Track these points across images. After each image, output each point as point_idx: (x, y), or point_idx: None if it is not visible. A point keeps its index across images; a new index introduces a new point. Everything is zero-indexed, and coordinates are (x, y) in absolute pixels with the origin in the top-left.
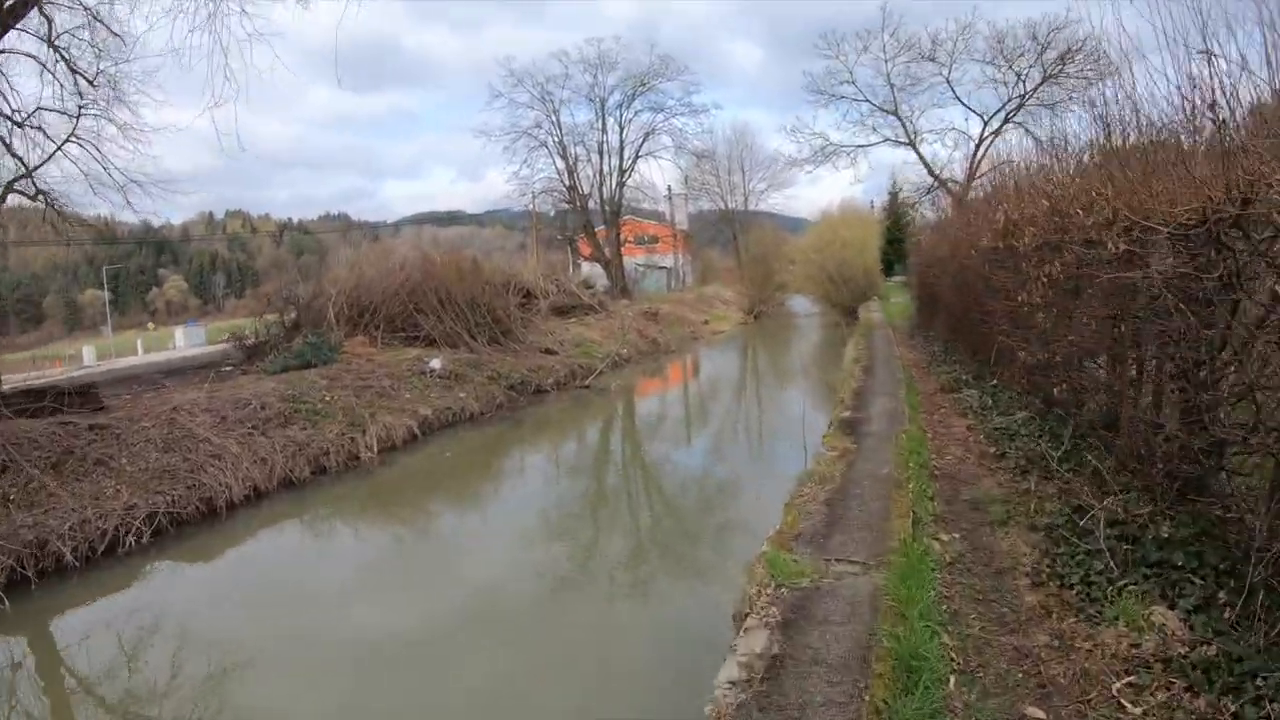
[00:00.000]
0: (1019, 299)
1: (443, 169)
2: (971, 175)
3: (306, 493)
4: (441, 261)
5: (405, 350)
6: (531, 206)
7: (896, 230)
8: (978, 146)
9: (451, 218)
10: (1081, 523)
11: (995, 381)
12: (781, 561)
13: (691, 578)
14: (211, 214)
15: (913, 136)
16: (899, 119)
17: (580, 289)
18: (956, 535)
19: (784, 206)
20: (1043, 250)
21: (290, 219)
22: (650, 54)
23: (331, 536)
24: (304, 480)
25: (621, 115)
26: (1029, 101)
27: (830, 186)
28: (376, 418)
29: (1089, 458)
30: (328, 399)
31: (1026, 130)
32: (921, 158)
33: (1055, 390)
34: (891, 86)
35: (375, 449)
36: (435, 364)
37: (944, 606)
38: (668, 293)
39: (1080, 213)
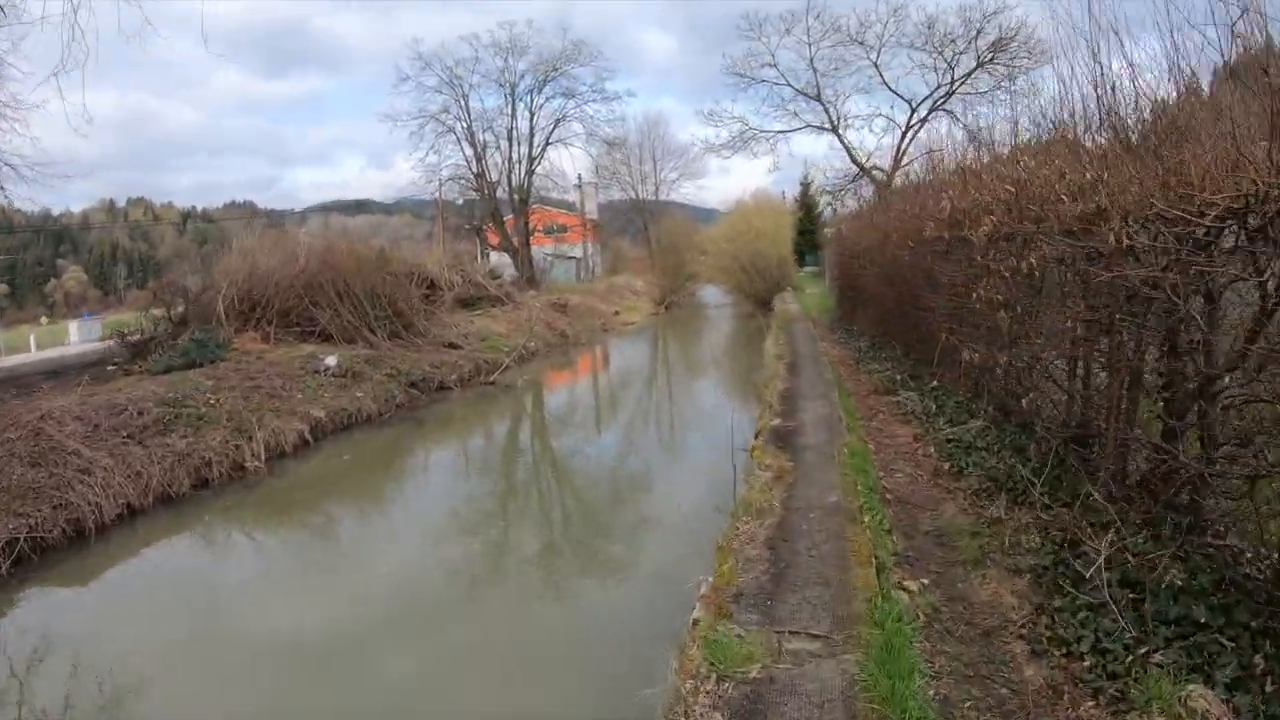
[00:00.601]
0: (974, 295)
1: (352, 156)
2: (897, 163)
3: (187, 508)
4: (341, 250)
5: (299, 346)
6: (438, 194)
7: (809, 221)
8: (905, 134)
9: (360, 206)
10: (1074, 563)
11: (935, 383)
12: (722, 641)
13: (605, 574)
14: (113, 201)
15: (836, 122)
16: (822, 104)
17: (487, 279)
18: (926, 581)
19: (695, 197)
20: (1004, 242)
21: (194, 207)
22: (563, 39)
23: (227, 547)
24: (183, 495)
25: (532, 101)
26: (960, 89)
27: (742, 177)
28: (264, 422)
29: (1068, 481)
30: (212, 402)
31: (955, 118)
32: (845, 144)
33: (1024, 400)
34: (814, 71)
35: (263, 457)
36: (330, 361)
37: (930, 691)
38: (577, 283)
39: (1066, 199)
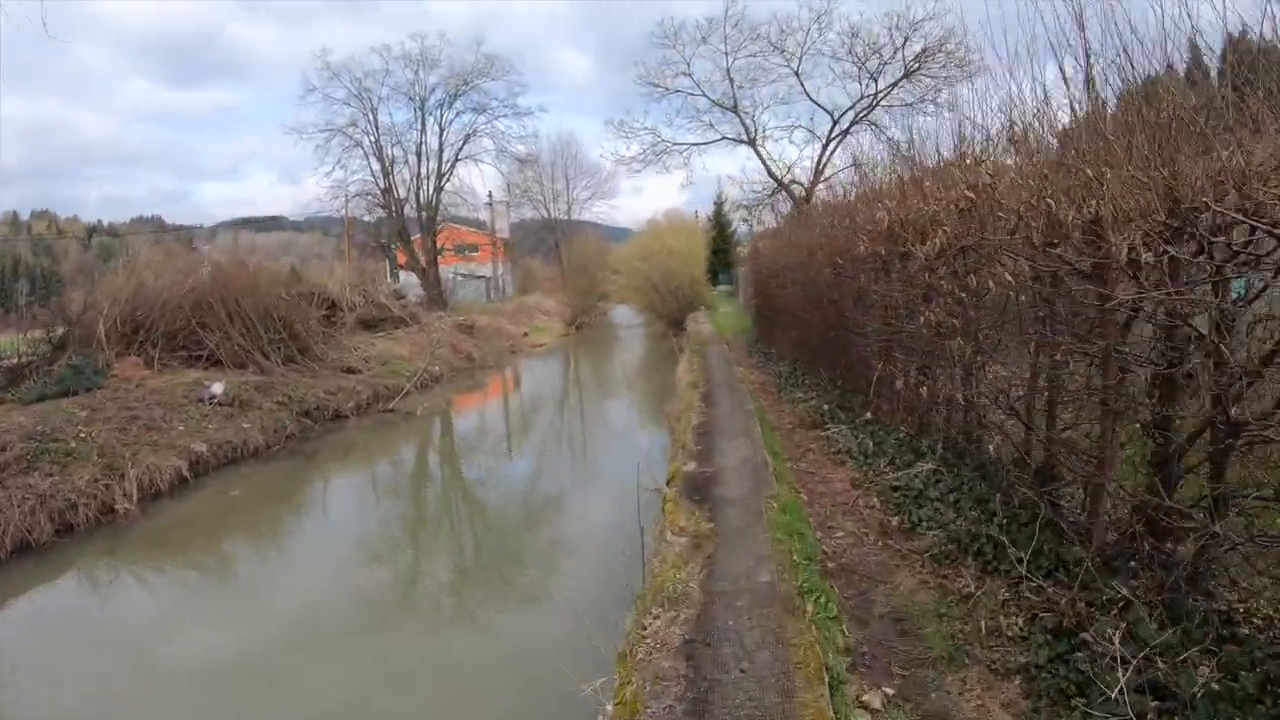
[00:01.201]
0: (920, 317)
1: (264, 171)
2: (818, 176)
3: (50, 556)
4: (232, 268)
5: (184, 373)
6: (345, 211)
7: (722, 240)
8: (825, 146)
9: (271, 222)
10: (1076, 660)
11: (870, 415)
12: None
13: (516, 601)
14: (16, 214)
15: (753, 134)
16: (738, 115)
17: (390, 299)
18: (890, 690)
19: (608, 216)
20: (958, 257)
21: (100, 221)
22: (476, 53)
23: (109, 589)
24: (45, 543)
25: (442, 116)
26: (884, 100)
27: (655, 197)
28: (139, 458)
29: (1048, 542)
30: (84, 436)
31: (879, 130)
32: (761, 157)
33: (989, 444)
34: (731, 81)
35: (135, 497)
36: (217, 389)
37: None
38: (487, 303)
39: (1051, 205)
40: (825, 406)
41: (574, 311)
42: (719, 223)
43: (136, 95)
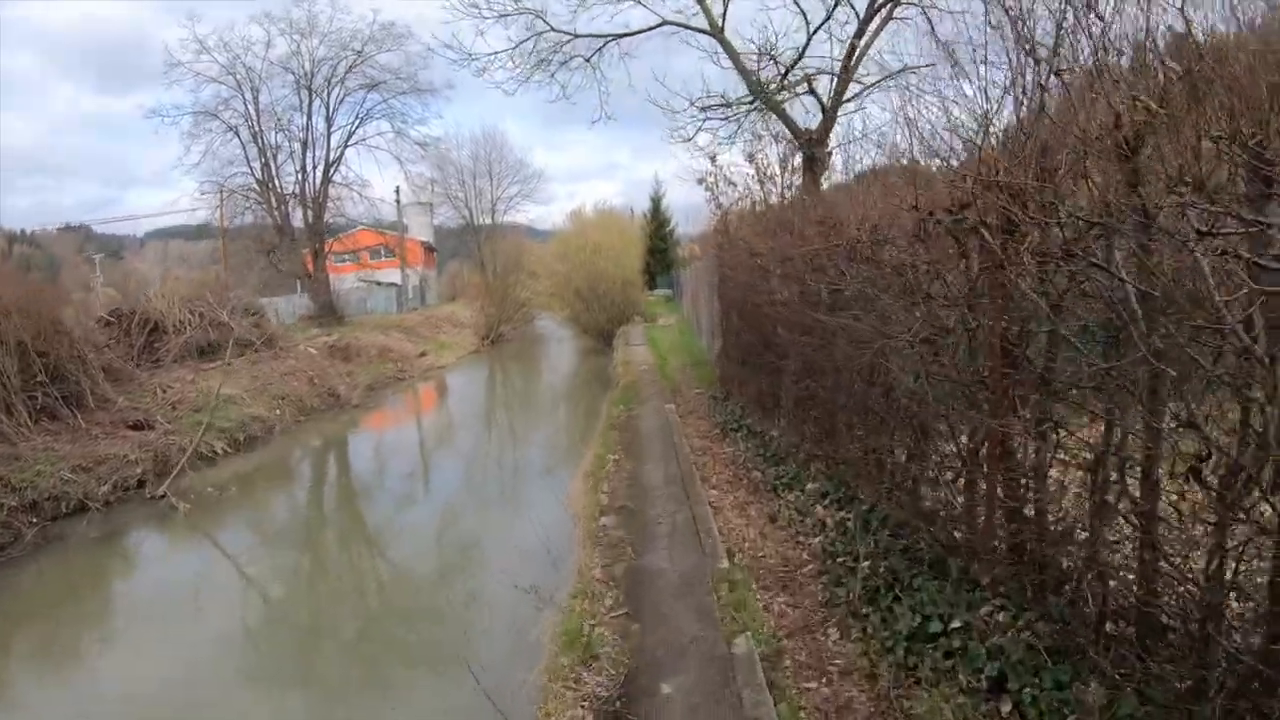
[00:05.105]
0: None
1: (193, 178)
2: (847, 80)
3: None
4: None
5: None
6: (219, 210)
7: (660, 239)
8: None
9: (201, 231)
10: None
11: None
12: None
13: None
14: None
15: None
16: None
17: (237, 317)
18: None
19: (541, 219)
20: None
21: (23, 229)
22: (371, 25)
23: None
24: None
25: (329, 95)
26: None
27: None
28: None
29: None
30: None
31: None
32: (732, 55)
33: None
34: None
35: None
36: None
37: None
38: (396, 314)
39: None
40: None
41: (489, 323)
42: (657, 219)
43: (65, 99)
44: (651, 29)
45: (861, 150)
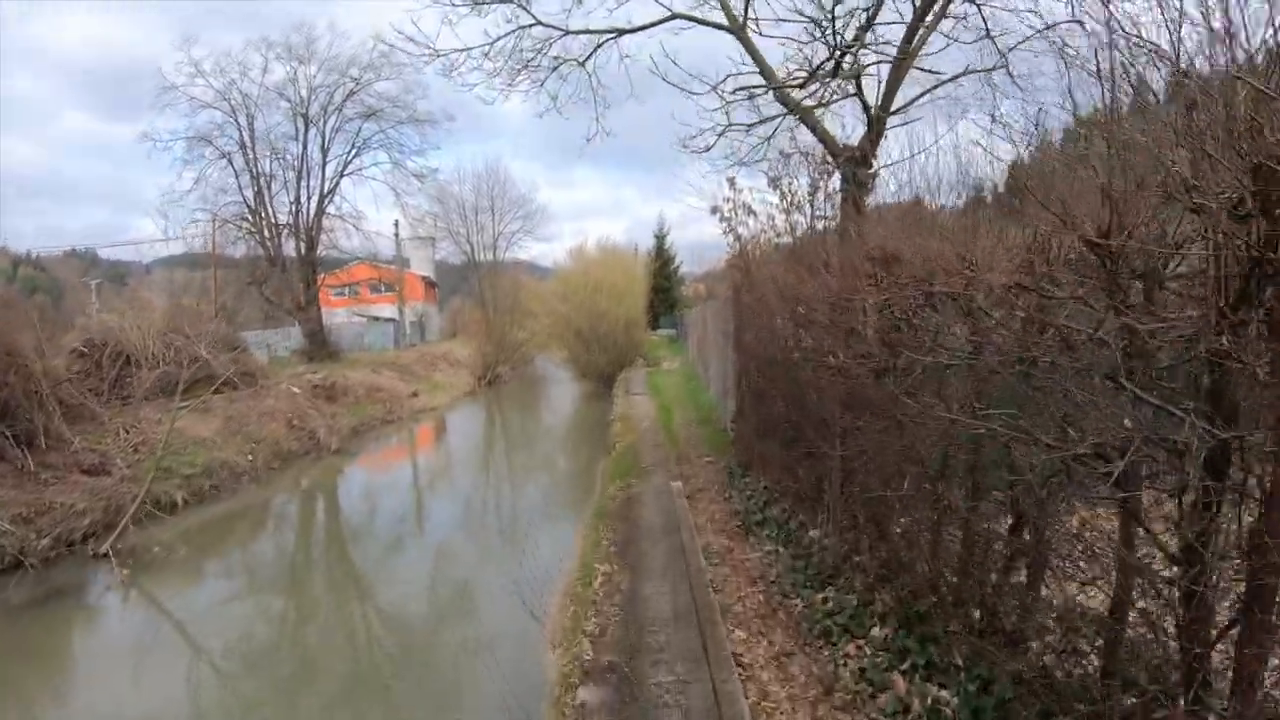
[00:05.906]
0: None
1: (185, 205)
2: (898, 80)
3: None
4: None
5: None
6: (212, 238)
7: (664, 277)
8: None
9: (200, 260)
10: None
11: None
12: None
13: None
14: None
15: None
16: None
17: (216, 351)
18: None
19: (546, 255)
20: None
21: (28, 253)
22: (370, 50)
23: None
24: None
25: (324, 123)
26: None
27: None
28: None
29: None
30: None
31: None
32: (755, 54)
33: None
34: None
35: None
36: None
37: None
38: (392, 350)
39: None
40: None
41: (485, 362)
42: (661, 256)
43: (74, 125)
44: (657, 24)
45: (907, 173)
